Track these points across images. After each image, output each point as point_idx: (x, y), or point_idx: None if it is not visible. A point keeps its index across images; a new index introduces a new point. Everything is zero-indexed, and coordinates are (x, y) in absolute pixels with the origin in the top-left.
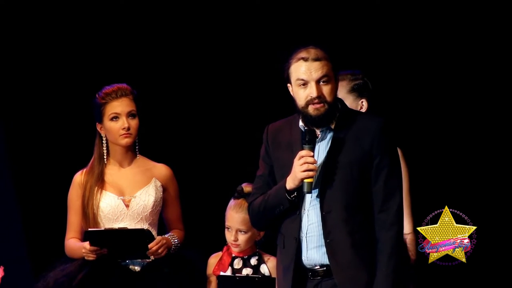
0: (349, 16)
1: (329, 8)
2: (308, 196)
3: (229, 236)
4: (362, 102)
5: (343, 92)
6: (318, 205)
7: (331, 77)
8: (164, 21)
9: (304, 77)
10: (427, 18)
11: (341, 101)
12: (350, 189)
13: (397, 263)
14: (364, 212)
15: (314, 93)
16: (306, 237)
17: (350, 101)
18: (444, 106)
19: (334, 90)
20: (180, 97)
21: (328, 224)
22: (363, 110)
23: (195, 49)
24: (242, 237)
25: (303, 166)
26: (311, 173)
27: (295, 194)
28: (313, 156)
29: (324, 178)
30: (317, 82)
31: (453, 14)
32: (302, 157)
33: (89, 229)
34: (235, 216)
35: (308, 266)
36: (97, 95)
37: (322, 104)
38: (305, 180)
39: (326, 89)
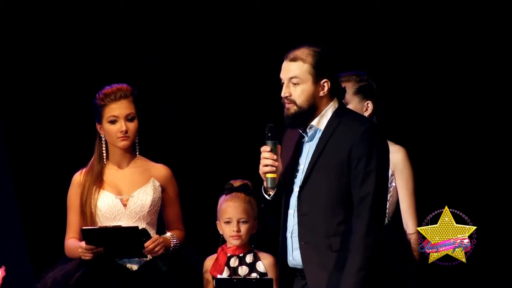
0: (353, 17)
1: (333, 9)
2: (294, 196)
3: (230, 229)
4: (367, 104)
5: (349, 94)
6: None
7: (303, 79)
8: (164, 21)
9: (281, 76)
10: (433, 19)
11: (340, 102)
12: (329, 191)
13: (361, 264)
14: (343, 215)
15: (282, 93)
16: (291, 237)
17: (355, 103)
18: (445, 108)
19: (306, 92)
20: (181, 97)
21: (304, 226)
22: (369, 111)
23: (195, 50)
24: (244, 227)
25: (262, 161)
26: (267, 168)
27: (272, 193)
28: (270, 151)
29: (304, 180)
30: (288, 82)
31: (458, 13)
32: (262, 152)
33: (84, 227)
34: (234, 205)
35: (297, 267)
36: (96, 96)
37: (291, 104)
38: (268, 175)
39: (294, 90)
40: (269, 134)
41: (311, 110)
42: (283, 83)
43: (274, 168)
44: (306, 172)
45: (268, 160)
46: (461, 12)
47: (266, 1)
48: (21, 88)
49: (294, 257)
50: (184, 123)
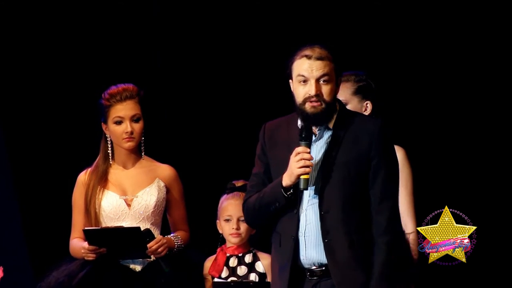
0: (352, 17)
1: (331, 8)
2: (306, 195)
3: (230, 227)
4: (366, 104)
5: (347, 94)
6: (317, 204)
7: (331, 78)
8: (167, 21)
9: (305, 74)
10: (431, 19)
11: (339, 102)
12: (347, 189)
13: (391, 269)
14: (362, 212)
15: (312, 91)
16: (304, 236)
17: (355, 103)
18: (445, 107)
19: (334, 91)
20: (183, 98)
21: (327, 224)
22: (368, 112)
23: (199, 50)
24: (243, 225)
25: (299, 162)
26: (307, 169)
27: (291, 191)
28: (309, 153)
29: (322, 177)
30: (317, 80)
31: (457, 13)
32: (299, 153)
33: (86, 228)
34: (235, 203)
35: (306, 266)
36: (102, 95)
37: (319, 103)
38: (302, 177)
39: (325, 89)
40: (304, 135)
41: (333, 108)
42: (305, 81)
43: (311, 170)
44: (324, 170)
45: (308, 162)
46: (461, 12)
47: (266, 0)
48: (22, 87)
49: (307, 256)
50: (188, 124)
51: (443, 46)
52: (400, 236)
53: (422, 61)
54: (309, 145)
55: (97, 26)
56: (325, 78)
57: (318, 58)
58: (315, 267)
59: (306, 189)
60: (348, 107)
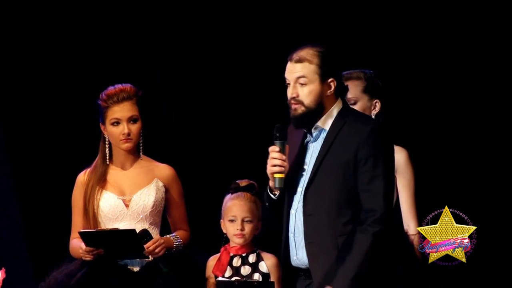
0: (356, 16)
1: (335, 8)
2: (297, 196)
3: (234, 227)
4: (375, 102)
5: (357, 92)
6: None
7: (311, 80)
8: (167, 21)
9: (286, 76)
10: (437, 18)
11: (344, 103)
12: (335, 192)
13: (362, 263)
14: (349, 216)
15: (289, 94)
16: (294, 237)
17: (364, 101)
18: (447, 109)
19: (314, 93)
20: (185, 97)
21: (310, 227)
22: (376, 110)
23: (200, 50)
24: (248, 226)
25: (270, 161)
26: (275, 168)
27: (278, 192)
28: (279, 151)
29: (310, 180)
30: (295, 83)
31: (463, 14)
32: (270, 152)
33: (81, 230)
34: (239, 204)
35: (300, 266)
36: (100, 96)
37: (298, 105)
38: (275, 176)
39: (302, 91)
40: (278, 134)
41: (318, 110)
42: (288, 84)
43: (283, 169)
44: (311, 173)
45: (277, 161)
46: (468, 13)
47: (268, 0)
48: (22, 87)
49: (298, 256)
50: (188, 123)
51: (444, 47)
52: (380, 237)
53: (426, 63)
54: (283, 144)
55: (97, 26)
56: (302, 80)
57: (297, 61)
58: (308, 267)
59: (282, 187)
60: (358, 104)
